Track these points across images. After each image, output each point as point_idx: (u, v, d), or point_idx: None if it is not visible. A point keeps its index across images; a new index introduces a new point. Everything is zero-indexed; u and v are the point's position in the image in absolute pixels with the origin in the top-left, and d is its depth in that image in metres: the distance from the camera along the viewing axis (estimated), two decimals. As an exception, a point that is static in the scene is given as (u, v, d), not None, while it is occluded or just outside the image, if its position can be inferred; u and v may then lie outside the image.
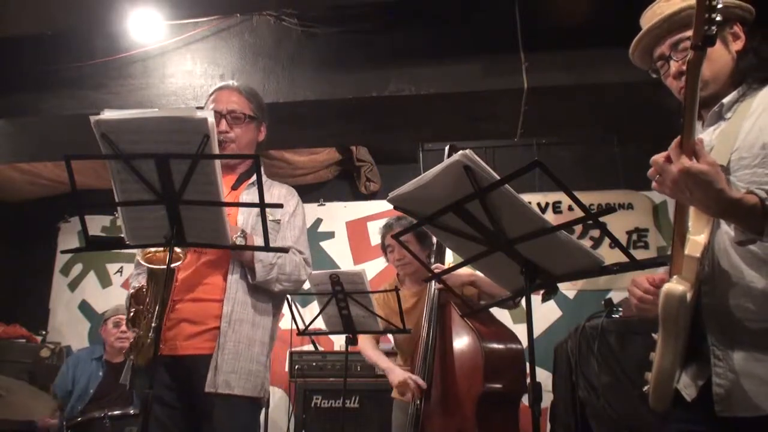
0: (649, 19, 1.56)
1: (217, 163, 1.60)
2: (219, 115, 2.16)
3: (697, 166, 1.19)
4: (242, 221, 2.11)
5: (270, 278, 2.06)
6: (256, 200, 1.62)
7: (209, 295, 2.05)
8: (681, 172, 1.20)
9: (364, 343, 3.09)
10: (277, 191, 2.30)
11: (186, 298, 2.03)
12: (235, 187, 2.19)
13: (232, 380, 1.97)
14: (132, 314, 1.95)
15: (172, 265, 1.76)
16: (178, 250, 1.84)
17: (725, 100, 1.46)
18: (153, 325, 1.83)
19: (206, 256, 2.07)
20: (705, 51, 1.19)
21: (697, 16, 1.16)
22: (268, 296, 2.15)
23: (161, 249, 1.84)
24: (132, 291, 1.99)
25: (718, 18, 1.15)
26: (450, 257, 3.00)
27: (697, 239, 1.37)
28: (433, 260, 2.86)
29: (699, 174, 1.19)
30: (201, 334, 2.02)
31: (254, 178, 2.21)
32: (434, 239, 2.87)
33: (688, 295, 1.33)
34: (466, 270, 2.62)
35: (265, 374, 2.12)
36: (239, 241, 1.96)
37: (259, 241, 2.02)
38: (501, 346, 2.50)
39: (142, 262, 1.89)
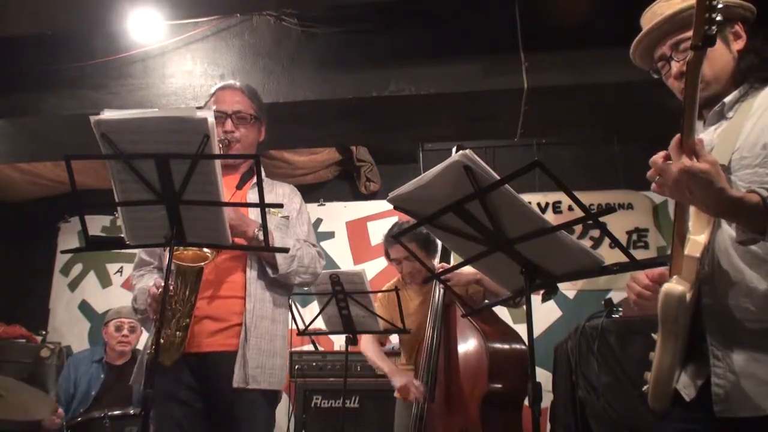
0: (649, 19, 1.55)
1: (217, 163, 1.61)
2: (224, 115, 2.16)
3: (697, 165, 1.19)
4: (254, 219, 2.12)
5: (291, 270, 2.09)
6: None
7: (230, 292, 2.07)
8: (681, 172, 1.20)
9: (366, 344, 3.08)
10: (281, 190, 2.33)
11: (207, 296, 2.04)
12: (239, 187, 2.20)
13: (258, 375, 2.00)
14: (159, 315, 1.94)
15: (202, 264, 1.85)
16: (206, 250, 1.87)
17: (726, 100, 1.46)
18: (184, 323, 1.89)
19: (223, 254, 2.08)
20: (705, 51, 1.19)
21: (696, 16, 1.16)
22: (283, 291, 2.19)
23: (190, 248, 1.86)
24: (158, 291, 1.94)
25: (719, 18, 1.14)
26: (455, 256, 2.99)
27: (697, 239, 1.36)
28: (438, 260, 2.85)
29: (699, 173, 1.19)
30: (224, 331, 2.03)
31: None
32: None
33: (688, 295, 1.33)
34: (470, 269, 2.63)
35: (285, 368, 2.15)
36: (260, 235, 1.98)
37: (277, 235, 2.07)
38: (506, 347, 2.50)
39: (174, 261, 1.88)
